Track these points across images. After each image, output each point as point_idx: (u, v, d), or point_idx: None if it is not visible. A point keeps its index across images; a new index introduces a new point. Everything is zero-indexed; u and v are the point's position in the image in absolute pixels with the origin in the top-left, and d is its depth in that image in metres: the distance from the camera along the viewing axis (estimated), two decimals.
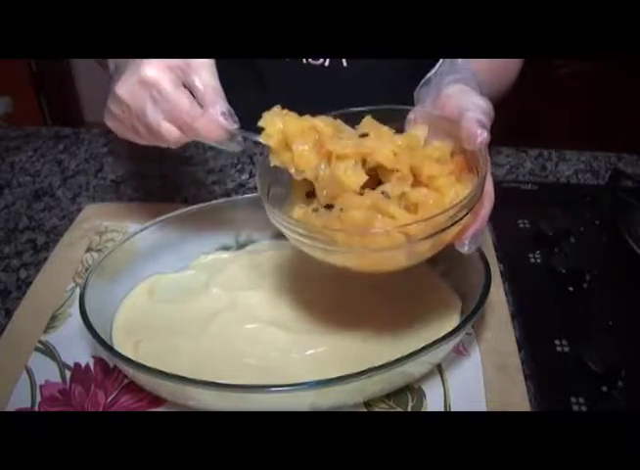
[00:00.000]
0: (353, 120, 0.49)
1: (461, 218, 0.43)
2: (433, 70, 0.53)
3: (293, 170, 0.47)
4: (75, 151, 0.82)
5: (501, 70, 0.69)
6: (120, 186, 0.75)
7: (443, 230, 0.43)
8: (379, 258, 0.44)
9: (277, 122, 0.47)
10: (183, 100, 0.47)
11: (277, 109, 0.48)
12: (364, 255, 0.44)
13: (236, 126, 0.49)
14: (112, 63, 0.55)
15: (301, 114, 0.48)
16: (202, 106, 0.48)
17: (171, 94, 0.47)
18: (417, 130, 0.49)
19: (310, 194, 0.48)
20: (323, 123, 0.47)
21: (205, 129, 0.48)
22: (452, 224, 0.43)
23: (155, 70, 0.47)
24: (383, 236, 0.42)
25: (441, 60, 0.54)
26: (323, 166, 0.46)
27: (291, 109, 0.48)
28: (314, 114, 0.48)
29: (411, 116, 0.50)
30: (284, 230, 0.46)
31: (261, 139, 0.48)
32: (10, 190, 0.75)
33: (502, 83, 0.71)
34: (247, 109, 0.51)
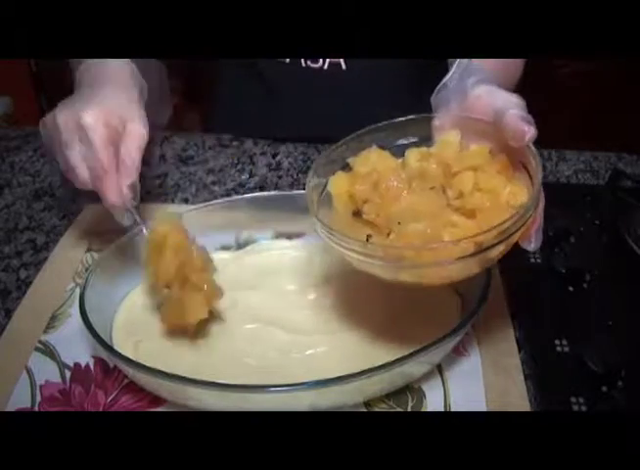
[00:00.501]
0: (374, 137, 0.50)
1: (528, 219, 0.43)
2: (448, 76, 0.53)
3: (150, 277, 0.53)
4: None
5: (505, 70, 0.68)
6: None
7: (512, 234, 0.42)
8: (450, 269, 0.43)
9: (165, 226, 0.52)
10: (106, 157, 0.51)
11: (175, 219, 0.53)
12: (434, 268, 0.43)
13: (134, 203, 0.53)
14: (77, 74, 0.58)
15: (302, 115, 0.48)
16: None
17: (97, 146, 0.51)
18: (450, 136, 0.48)
19: (356, 213, 0.48)
20: (194, 254, 0.52)
21: (107, 189, 0.52)
22: (521, 226, 0.42)
23: (92, 119, 0.51)
24: (452, 247, 0.41)
25: (455, 65, 0.53)
26: (176, 285, 0.51)
27: (292, 111, 0.48)
28: (316, 116, 0.48)
29: (437, 122, 0.50)
30: (346, 252, 0.44)
31: (145, 230, 0.54)
32: (10, 190, 0.75)
33: (507, 85, 0.71)
34: (249, 110, 0.52)
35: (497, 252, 0.43)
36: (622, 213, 0.65)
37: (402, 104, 0.54)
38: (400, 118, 0.51)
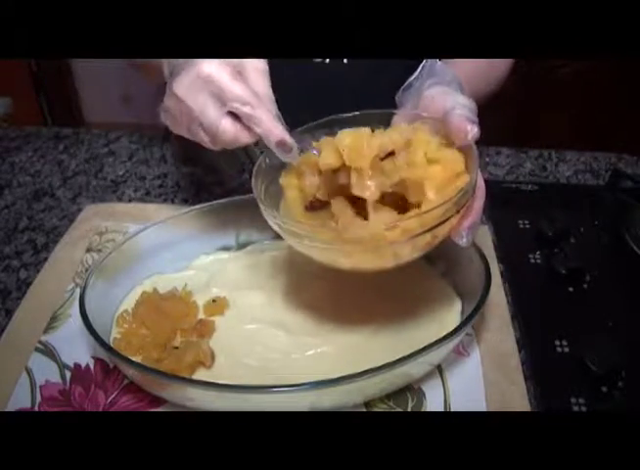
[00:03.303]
0: (342, 125, 0.50)
1: (460, 209, 0.44)
2: (414, 75, 0.54)
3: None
4: (75, 151, 0.82)
5: (475, 70, 0.68)
6: (120, 186, 0.75)
7: (438, 225, 0.43)
8: (367, 256, 0.45)
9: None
10: (244, 90, 0.47)
11: None
12: (350, 252, 0.45)
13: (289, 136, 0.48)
14: (166, 68, 0.54)
15: (303, 110, 0.49)
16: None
17: (231, 85, 0.47)
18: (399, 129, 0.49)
19: (308, 207, 0.49)
20: None
21: (264, 121, 0.47)
22: (446, 219, 0.43)
23: (214, 67, 0.47)
24: (384, 232, 0.43)
25: (422, 64, 0.54)
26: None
27: (293, 106, 0.49)
28: (318, 110, 0.49)
29: (396, 119, 0.51)
30: (277, 230, 0.47)
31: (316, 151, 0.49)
32: (10, 190, 0.75)
33: (489, 78, 0.71)
34: None
35: (424, 241, 0.44)
36: (622, 214, 0.66)
37: None
38: (362, 111, 0.52)
